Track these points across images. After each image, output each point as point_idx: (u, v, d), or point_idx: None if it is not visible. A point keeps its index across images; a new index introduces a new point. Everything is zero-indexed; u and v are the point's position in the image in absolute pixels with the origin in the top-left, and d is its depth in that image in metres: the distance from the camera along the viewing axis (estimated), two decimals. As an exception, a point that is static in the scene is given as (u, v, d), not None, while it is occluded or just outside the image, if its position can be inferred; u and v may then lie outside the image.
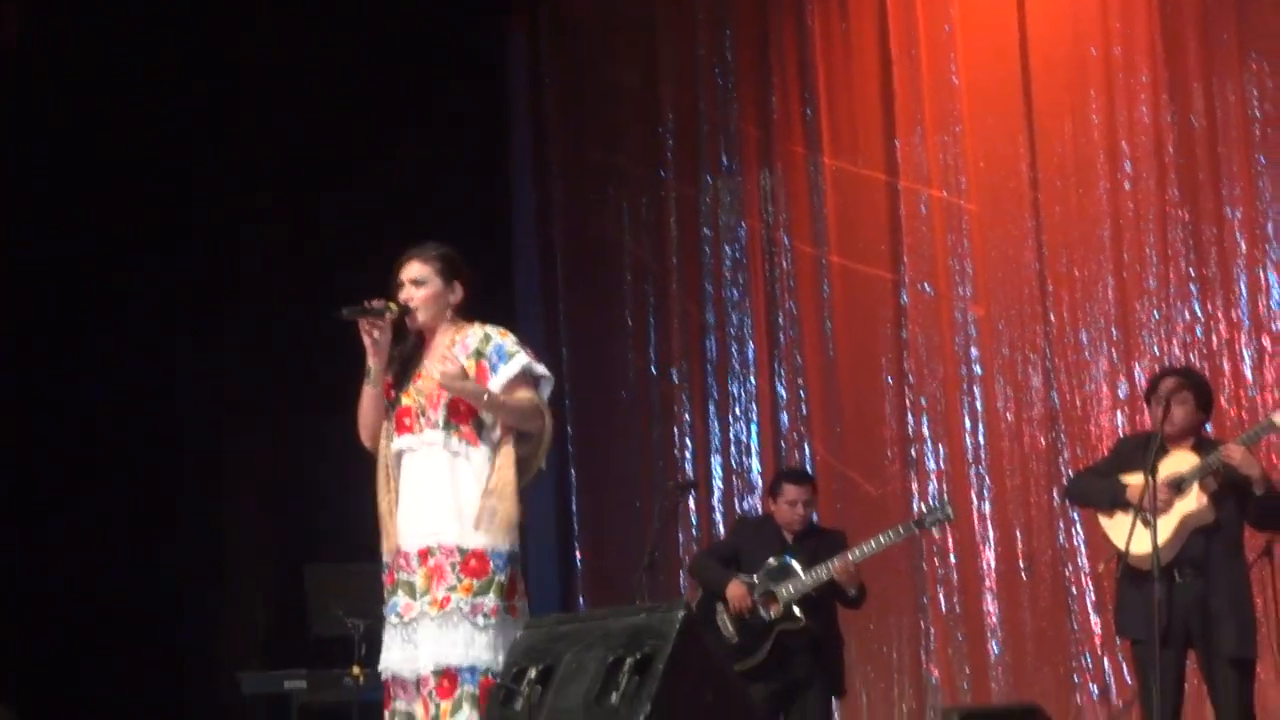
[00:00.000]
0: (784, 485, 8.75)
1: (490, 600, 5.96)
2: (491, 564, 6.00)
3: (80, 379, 10.28)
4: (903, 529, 8.60)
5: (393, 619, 6.06)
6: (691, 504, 11.17)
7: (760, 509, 10.14)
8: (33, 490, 10.07)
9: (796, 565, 8.41)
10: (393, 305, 6.12)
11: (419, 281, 6.18)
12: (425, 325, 6.20)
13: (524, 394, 6.13)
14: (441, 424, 6.09)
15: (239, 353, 10.80)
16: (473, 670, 5.87)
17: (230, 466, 10.83)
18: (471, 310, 6.28)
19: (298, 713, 8.86)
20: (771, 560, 8.45)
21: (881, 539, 8.55)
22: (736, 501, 11.18)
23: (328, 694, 8.66)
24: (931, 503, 9.09)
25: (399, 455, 6.17)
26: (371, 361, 6.13)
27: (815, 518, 9.63)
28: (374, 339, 6.10)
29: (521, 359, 6.13)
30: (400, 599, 6.04)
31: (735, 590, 8.37)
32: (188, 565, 10.33)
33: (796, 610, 8.34)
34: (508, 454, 6.10)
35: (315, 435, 9.84)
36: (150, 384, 10.42)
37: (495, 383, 6.08)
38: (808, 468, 10.78)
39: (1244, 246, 9.77)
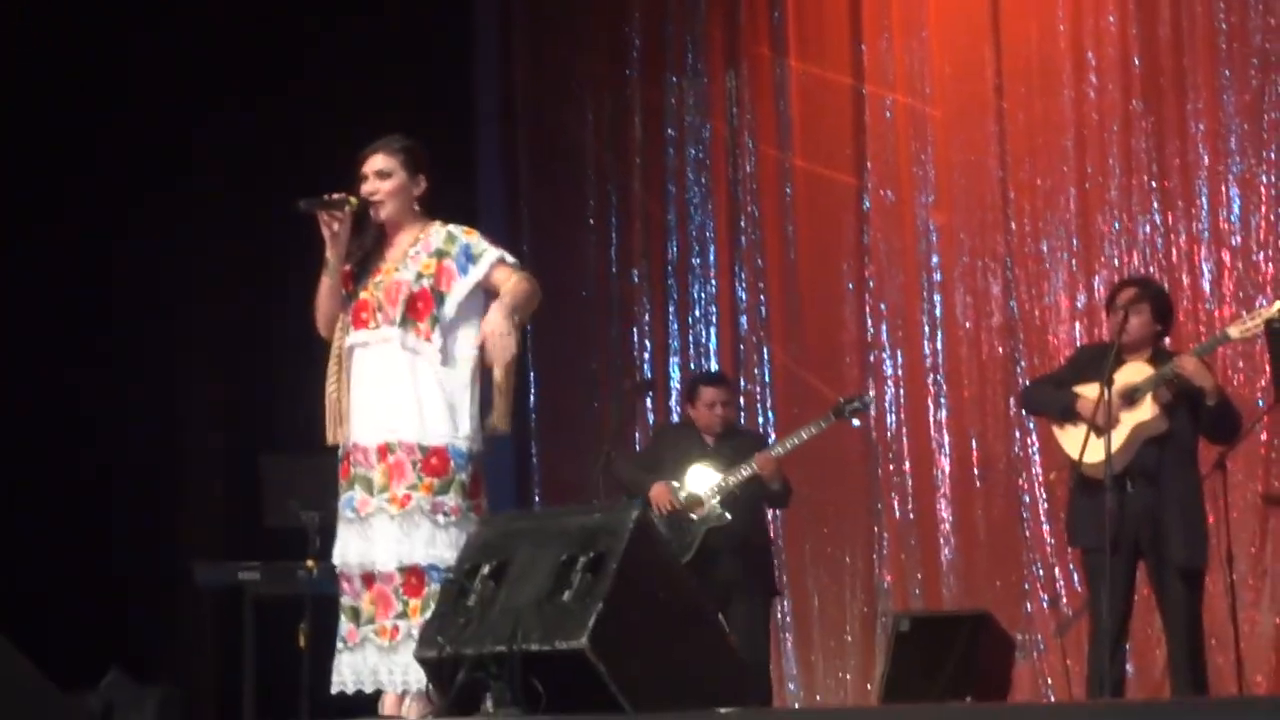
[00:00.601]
0: (700, 388, 8.84)
1: (451, 499, 5.99)
2: (452, 462, 6.03)
3: (29, 263, 10.17)
4: (823, 421, 8.71)
5: (348, 514, 6.08)
6: (649, 405, 11.22)
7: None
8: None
9: (718, 465, 8.48)
10: (352, 200, 6.12)
11: (384, 173, 6.18)
12: (388, 218, 6.19)
13: (510, 280, 6.13)
14: (399, 320, 6.09)
15: (194, 238, 10.70)
16: (437, 568, 5.90)
17: (183, 355, 10.77)
18: (434, 207, 6.28)
19: (251, 604, 8.87)
20: (694, 463, 8.51)
21: (803, 433, 8.71)
22: (694, 403, 11.22)
23: (281, 586, 8.65)
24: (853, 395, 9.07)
25: (353, 349, 6.17)
26: (329, 253, 6.14)
27: (740, 420, 9.76)
28: (333, 231, 6.10)
29: (492, 254, 6.16)
30: (357, 494, 6.06)
31: (658, 491, 8.42)
32: (139, 454, 10.31)
33: (720, 509, 8.41)
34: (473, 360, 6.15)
35: (272, 324, 9.85)
36: (101, 268, 10.37)
37: (466, 283, 6.10)
38: (765, 378, 10.86)
39: (1207, 159, 9.77)
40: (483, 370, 6.17)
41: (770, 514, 10.17)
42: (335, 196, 6.10)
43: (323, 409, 6.24)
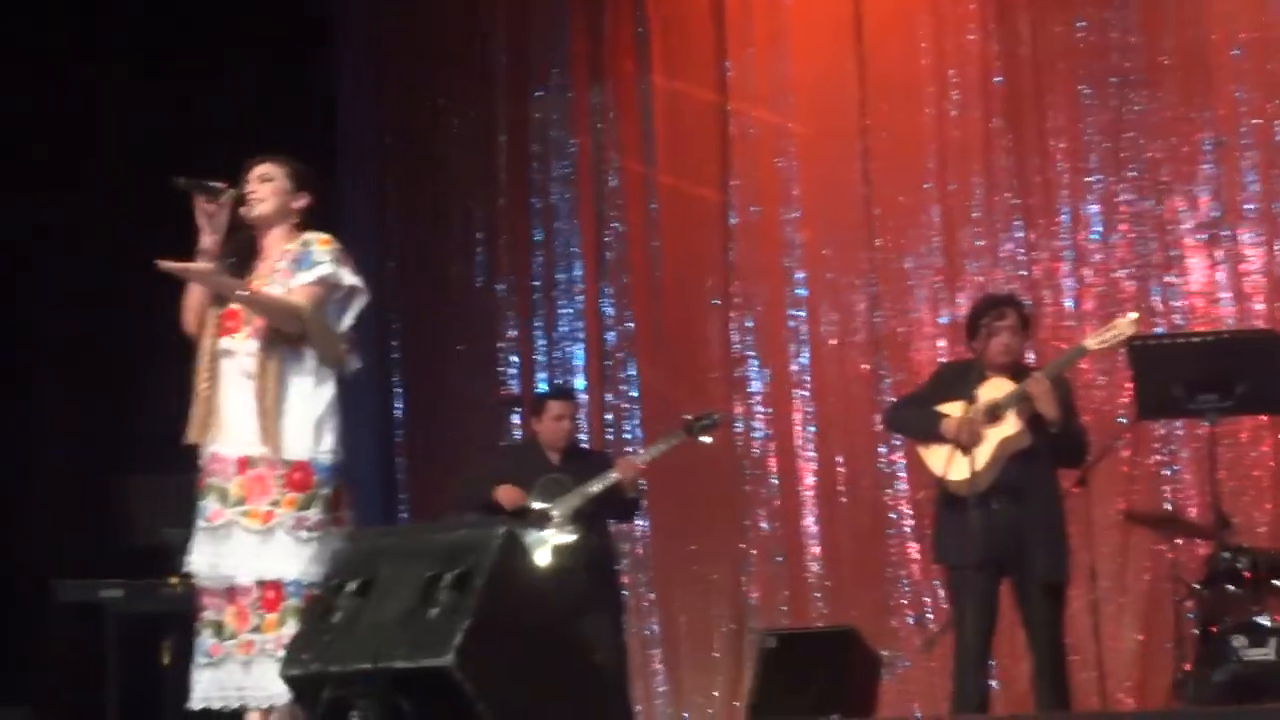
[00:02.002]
0: (547, 402, 8.88)
1: (314, 514, 5.94)
2: (315, 476, 5.98)
3: None
4: (673, 438, 8.82)
5: (201, 522, 6.01)
6: (515, 420, 11.20)
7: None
8: None
9: (568, 480, 8.52)
10: (232, 191, 6.08)
11: (266, 177, 6.17)
12: (262, 219, 6.14)
13: (302, 292, 6.06)
14: (268, 332, 6.06)
15: (48, 247, 10.56)
16: (298, 584, 5.86)
17: (39, 369, 10.62)
18: (309, 224, 6.25)
19: (114, 622, 8.78)
20: (542, 478, 8.53)
21: (654, 449, 8.89)
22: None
23: (145, 603, 8.57)
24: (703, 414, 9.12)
25: (219, 356, 6.10)
26: (204, 239, 6.05)
27: (584, 440, 9.79)
28: (209, 215, 6.05)
29: (324, 269, 6.07)
30: (210, 504, 5.99)
31: (506, 493, 8.44)
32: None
33: (569, 525, 8.45)
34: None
35: (132, 326, 9.70)
36: None
37: (292, 283, 6.05)
38: (630, 392, 10.88)
39: (1068, 177, 9.92)
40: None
41: (636, 531, 10.26)
42: (215, 183, 6.07)
43: (180, 409, 6.17)
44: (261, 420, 5.98)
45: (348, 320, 6.20)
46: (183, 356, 6.21)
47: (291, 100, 10.88)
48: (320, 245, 6.13)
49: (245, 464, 5.98)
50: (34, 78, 10.27)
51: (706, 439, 8.89)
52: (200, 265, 6.00)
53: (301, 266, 6.09)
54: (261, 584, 5.89)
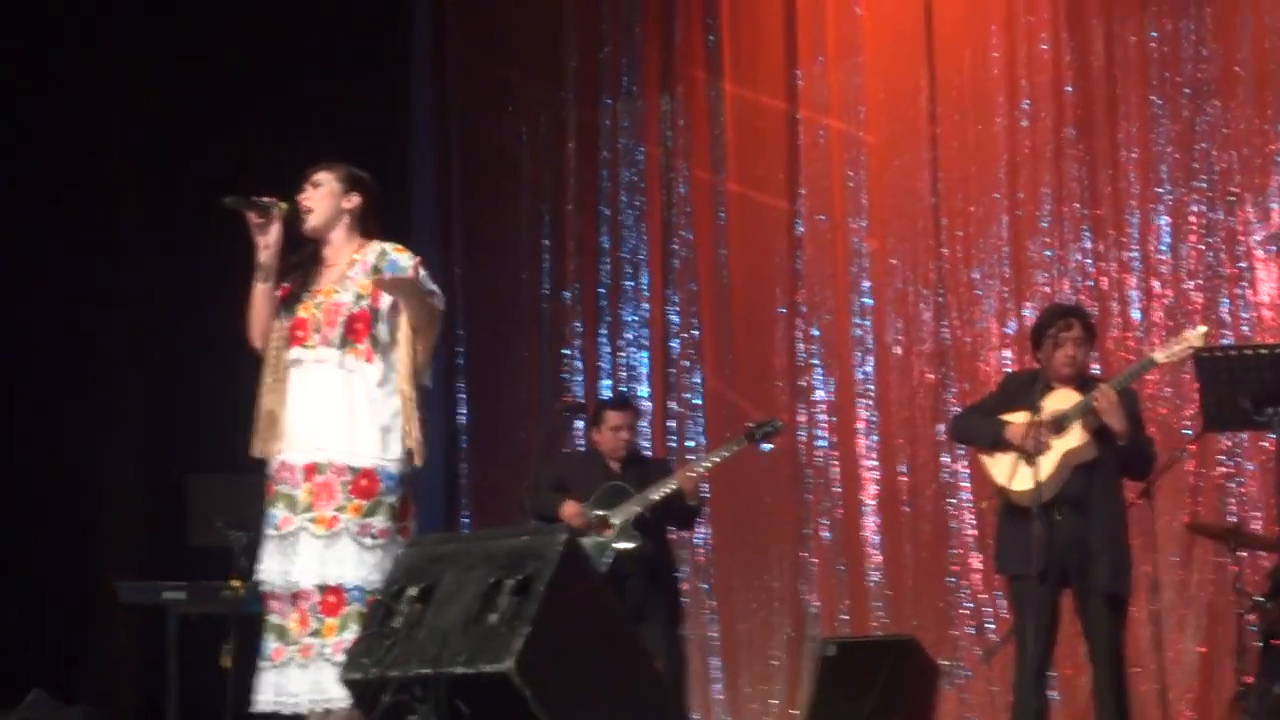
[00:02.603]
0: (606, 413, 8.87)
1: (379, 521, 5.99)
2: (381, 484, 6.02)
3: None
4: (734, 445, 8.82)
5: (269, 530, 6.05)
6: (580, 427, 11.21)
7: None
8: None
9: (629, 488, 8.53)
10: (281, 204, 6.12)
11: (316, 184, 6.21)
12: (318, 229, 6.19)
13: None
14: (338, 341, 6.08)
15: (114, 252, 10.65)
16: (360, 589, 5.89)
17: (108, 372, 10.70)
18: (370, 227, 6.29)
19: (175, 623, 8.84)
20: (603, 486, 8.56)
21: (715, 456, 8.89)
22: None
23: (206, 605, 8.63)
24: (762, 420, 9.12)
25: (288, 367, 6.15)
26: (261, 256, 6.11)
27: (646, 447, 9.81)
28: (261, 230, 6.08)
29: (411, 275, 6.15)
30: (279, 511, 6.04)
31: (570, 509, 8.44)
32: (65, 473, 10.25)
33: (631, 532, 8.45)
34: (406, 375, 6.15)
35: (201, 336, 9.77)
36: (22, 289, 10.28)
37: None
38: (697, 397, 10.88)
39: (1138, 188, 9.85)
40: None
41: (697, 537, 10.26)
42: (264, 199, 6.10)
43: (253, 423, 6.21)
44: (330, 428, 6.03)
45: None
46: (247, 358, 6.26)
47: (359, 100, 10.92)
48: (398, 253, 6.19)
49: (313, 470, 6.02)
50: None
51: (767, 446, 8.90)
52: (400, 277, 6.08)
53: (390, 271, 6.14)
54: (323, 588, 5.93)
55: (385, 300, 6.12)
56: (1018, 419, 7.41)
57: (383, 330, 6.14)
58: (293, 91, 10.76)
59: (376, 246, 6.22)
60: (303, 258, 6.23)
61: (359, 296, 6.12)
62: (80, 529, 10.27)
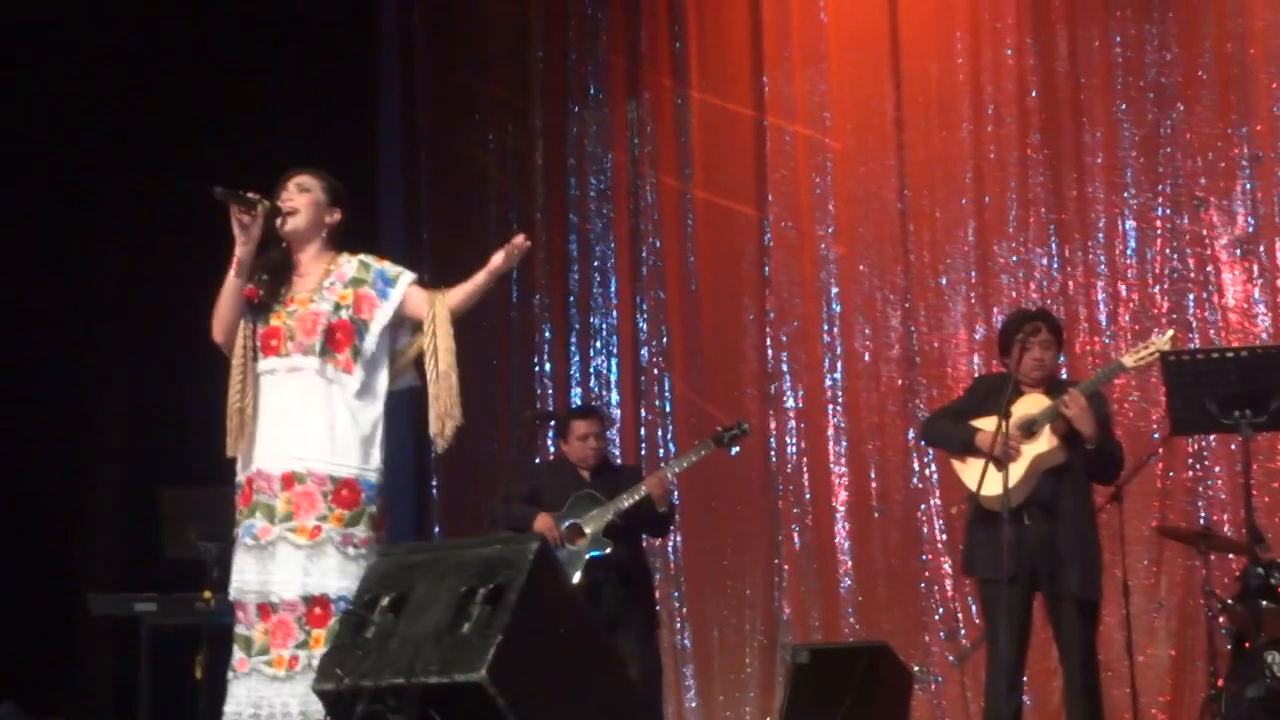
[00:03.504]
0: (573, 423, 8.88)
1: (361, 531, 6.00)
2: (363, 494, 6.04)
3: None
4: (701, 448, 8.83)
5: (247, 540, 6.03)
6: (550, 435, 11.22)
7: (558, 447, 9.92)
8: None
9: (600, 496, 8.54)
10: (266, 202, 6.12)
11: (303, 187, 6.21)
12: (296, 233, 6.18)
13: (438, 296, 6.27)
14: (318, 350, 6.08)
15: (103, 279, 10.66)
16: (345, 599, 5.85)
17: (86, 391, 10.71)
18: (341, 240, 6.30)
19: (147, 635, 8.84)
20: (574, 495, 8.57)
21: (684, 460, 8.93)
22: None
23: (178, 617, 8.63)
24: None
25: (259, 376, 6.14)
26: (239, 249, 6.10)
27: (617, 454, 9.79)
28: (243, 225, 6.07)
29: (407, 275, 6.26)
30: (257, 521, 6.01)
31: (543, 522, 8.44)
32: (37, 485, 10.23)
33: (604, 539, 8.47)
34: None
35: (179, 349, 9.75)
36: (12, 307, 10.27)
37: (389, 306, 6.17)
38: (666, 408, 10.89)
39: (1103, 193, 9.87)
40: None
41: (669, 545, 10.26)
42: (251, 194, 6.11)
43: (224, 426, 6.19)
44: (309, 437, 6.03)
45: (403, 340, 6.30)
46: (221, 372, 6.24)
47: (326, 108, 10.92)
48: (379, 262, 6.26)
49: (291, 480, 6.01)
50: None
51: (735, 449, 8.92)
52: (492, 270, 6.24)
53: (385, 286, 6.21)
54: (308, 599, 5.92)
55: (379, 315, 6.13)
56: (988, 424, 7.42)
57: (369, 340, 6.15)
58: (261, 102, 10.76)
59: (353, 260, 6.24)
60: (272, 263, 6.20)
61: (338, 306, 6.13)
62: (57, 540, 10.25)
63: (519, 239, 6.26)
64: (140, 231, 10.61)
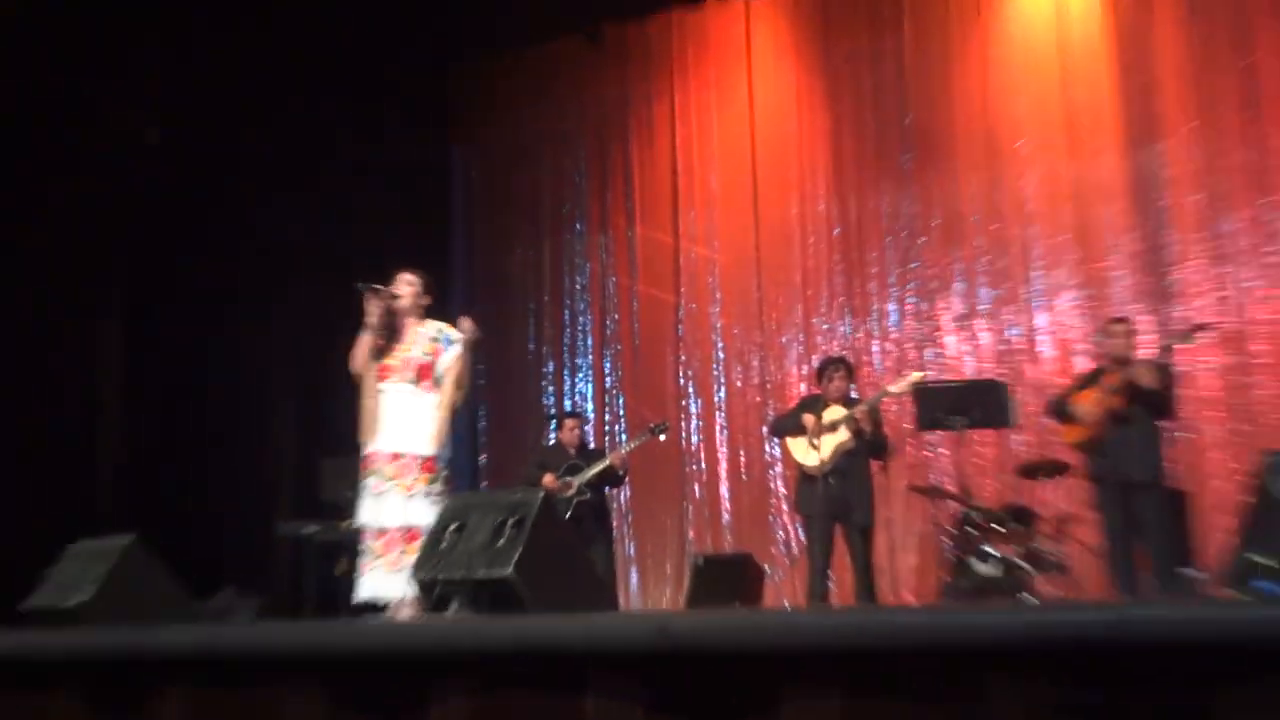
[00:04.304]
0: (565, 420, 8.86)
1: (437, 488, 5.99)
2: (438, 465, 6.03)
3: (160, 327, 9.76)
4: (642, 436, 8.78)
5: (367, 491, 6.04)
6: (554, 427, 11.18)
7: (552, 438, 9.98)
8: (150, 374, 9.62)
9: (582, 465, 8.52)
10: (388, 291, 6.13)
11: (410, 283, 6.22)
12: (404, 310, 6.18)
13: (457, 368, 6.16)
14: (413, 379, 6.09)
15: (286, 319, 10.52)
16: (425, 529, 5.91)
17: (279, 395, 10.62)
18: (427, 312, 6.31)
19: (312, 548, 8.79)
20: (566, 464, 8.55)
21: (636, 440, 8.89)
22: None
23: (330, 536, 8.61)
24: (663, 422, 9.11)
25: (380, 393, 6.14)
26: (370, 319, 6.09)
27: (592, 440, 9.75)
28: (374, 305, 6.07)
29: (457, 347, 6.17)
30: (373, 480, 6.01)
31: (549, 479, 8.42)
32: (246, 454, 10.15)
33: (585, 489, 8.45)
34: (446, 404, 6.14)
35: (336, 373, 9.60)
36: (211, 343, 10.03)
37: (449, 356, 6.13)
38: (621, 413, 10.88)
39: (876, 288, 9.97)
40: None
41: (622, 495, 10.23)
42: (379, 286, 6.11)
43: (357, 424, 6.18)
44: (408, 431, 6.03)
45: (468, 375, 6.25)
46: (355, 391, 6.23)
47: (420, 240, 10.76)
48: (449, 329, 6.20)
49: (396, 457, 6.01)
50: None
51: (662, 437, 8.95)
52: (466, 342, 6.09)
53: (445, 342, 6.16)
54: (405, 529, 5.93)
55: (444, 359, 6.13)
56: (809, 421, 7.46)
57: (438, 373, 6.15)
58: (375, 244, 10.36)
59: (434, 324, 6.24)
60: (390, 326, 6.19)
61: (425, 353, 6.14)
62: (257, 489, 10.15)
63: (466, 324, 6.14)
64: (302, 294, 10.38)
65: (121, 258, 9.64)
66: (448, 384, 6.13)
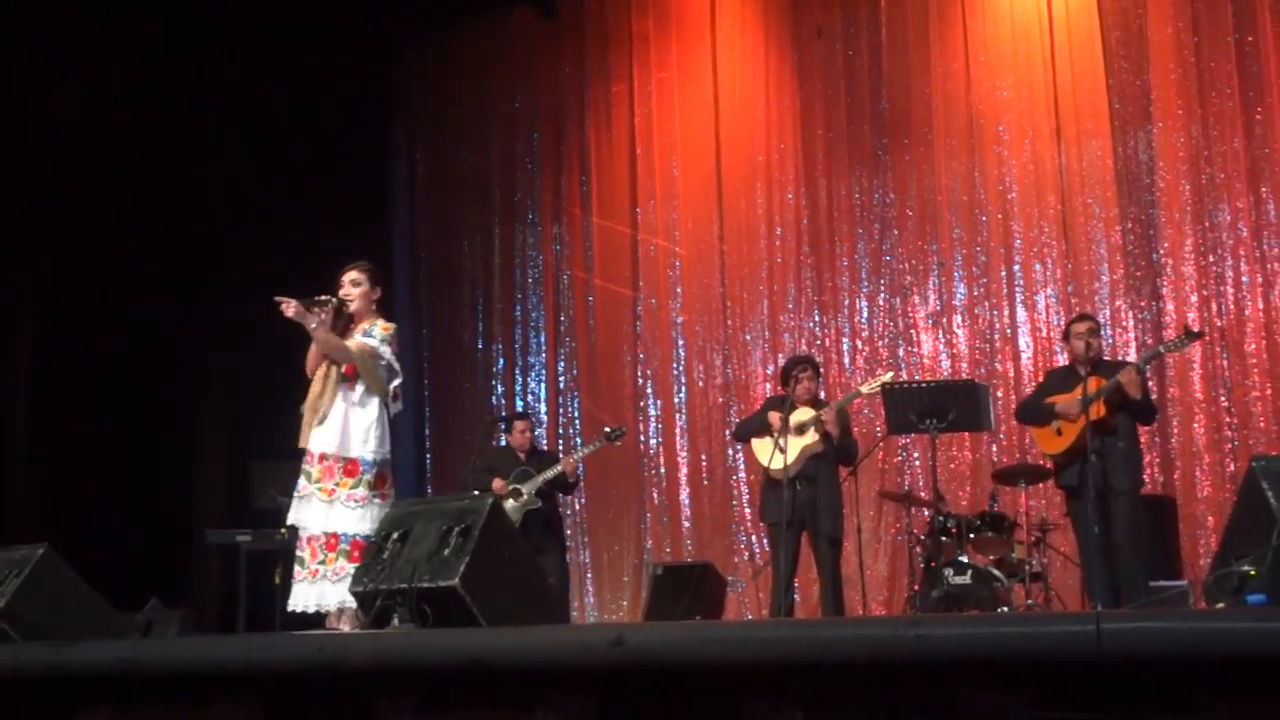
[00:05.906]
0: (514, 422, 8.85)
1: (360, 491, 5.94)
2: (361, 468, 5.98)
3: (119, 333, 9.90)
4: (597, 442, 8.74)
5: (296, 494, 6.02)
6: (502, 430, 11.16)
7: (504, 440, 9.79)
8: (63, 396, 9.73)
9: (532, 470, 8.49)
10: (334, 300, 6.05)
11: (356, 283, 6.13)
12: (356, 313, 6.12)
13: (355, 345, 5.99)
14: (341, 379, 6.04)
15: (217, 333, 10.51)
16: (345, 535, 5.87)
17: (206, 391, 10.58)
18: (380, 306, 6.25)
19: (244, 556, 8.76)
20: (516, 469, 8.53)
21: (590, 446, 8.87)
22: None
23: (264, 544, 8.58)
24: (620, 428, 9.10)
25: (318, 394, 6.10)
26: (315, 330, 5.96)
27: (544, 443, 9.74)
28: (319, 320, 5.94)
29: (373, 342, 6.02)
30: (300, 481, 6.00)
31: (497, 484, 8.40)
32: (170, 460, 10.10)
33: (534, 497, 8.42)
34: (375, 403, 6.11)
35: (272, 371, 9.59)
36: (164, 336, 10.08)
37: (354, 341, 6.02)
38: (575, 415, 10.87)
39: (847, 283, 9.99)
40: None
41: (576, 501, 10.22)
42: (323, 298, 6.01)
43: (289, 427, 6.17)
44: (334, 432, 6.00)
45: (394, 383, 6.12)
46: (298, 383, 6.19)
47: (359, 230, 10.71)
48: (381, 329, 6.11)
49: (321, 458, 5.99)
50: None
51: (618, 443, 8.93)
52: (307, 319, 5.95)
53: (366, 336, 6.12)
54: (327, 533, 5.91)
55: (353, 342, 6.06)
56: (775, 419, 7.46)
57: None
58: (309, 228, 10.42)
59: (373, 320, 6.19)
60: (339, 326, 6.10)
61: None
62: (182, 495, 10.10)
63: (283, 304, 5.94)
64: (242, 298, 10.31)
65: (31, 256, 9.59)
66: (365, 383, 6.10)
